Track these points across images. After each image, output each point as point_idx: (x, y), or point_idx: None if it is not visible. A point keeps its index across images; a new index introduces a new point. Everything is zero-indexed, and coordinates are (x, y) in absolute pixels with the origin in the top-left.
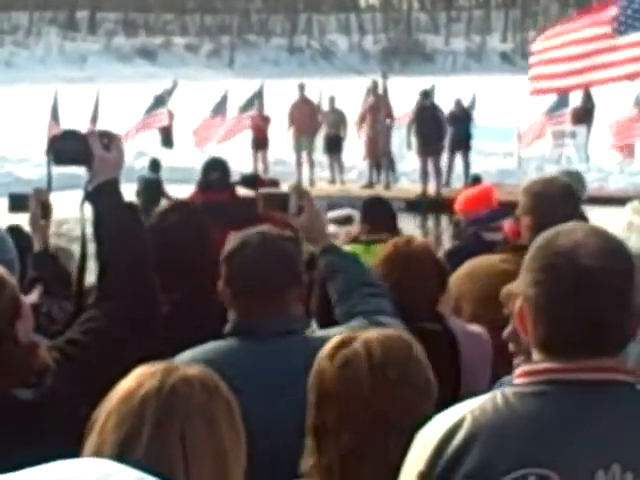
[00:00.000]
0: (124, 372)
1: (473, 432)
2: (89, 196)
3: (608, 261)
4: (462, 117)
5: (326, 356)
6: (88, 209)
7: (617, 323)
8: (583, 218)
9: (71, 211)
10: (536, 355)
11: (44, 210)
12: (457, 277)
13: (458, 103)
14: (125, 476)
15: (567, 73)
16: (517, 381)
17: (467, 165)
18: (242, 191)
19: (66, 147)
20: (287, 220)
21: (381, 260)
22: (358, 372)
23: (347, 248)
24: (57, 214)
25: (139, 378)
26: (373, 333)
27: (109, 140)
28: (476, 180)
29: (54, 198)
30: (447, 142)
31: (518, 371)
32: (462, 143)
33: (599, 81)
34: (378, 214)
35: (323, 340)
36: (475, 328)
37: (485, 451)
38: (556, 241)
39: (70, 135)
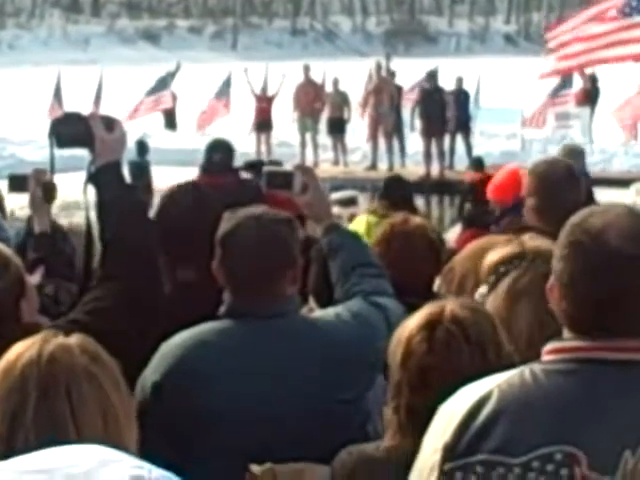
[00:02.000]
0: (127, 352)
1: (500, 407)
2: (91, 178)
3: (636, 244)
4: (462, 98)
5: (418, 340)
6: (91, 191)
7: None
8: (590, 197)
9: (74, 193)
10: (565, 332)
11: (47, 191)
12: (462, 257)
13: (459, 84)
14: (122, 464)
15: (578, 53)
16: (546, 358)
17: (469, 147)
18: (246, 176)
19: (68, 129)
20: (292, 202)
21: (378, 239)
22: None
23: (363, 218)
24: (61, 196)
25: (18, 349)
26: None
27: (111, 122)
28: (478, 163)
29: (57, 180)
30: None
31: (547, 347)
32: (463, 124)
33: (605, 59)
34: (397, 192)
35: (318, 320)
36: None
37: (511, 427)
38: (588, 219)
39: (72, 117)
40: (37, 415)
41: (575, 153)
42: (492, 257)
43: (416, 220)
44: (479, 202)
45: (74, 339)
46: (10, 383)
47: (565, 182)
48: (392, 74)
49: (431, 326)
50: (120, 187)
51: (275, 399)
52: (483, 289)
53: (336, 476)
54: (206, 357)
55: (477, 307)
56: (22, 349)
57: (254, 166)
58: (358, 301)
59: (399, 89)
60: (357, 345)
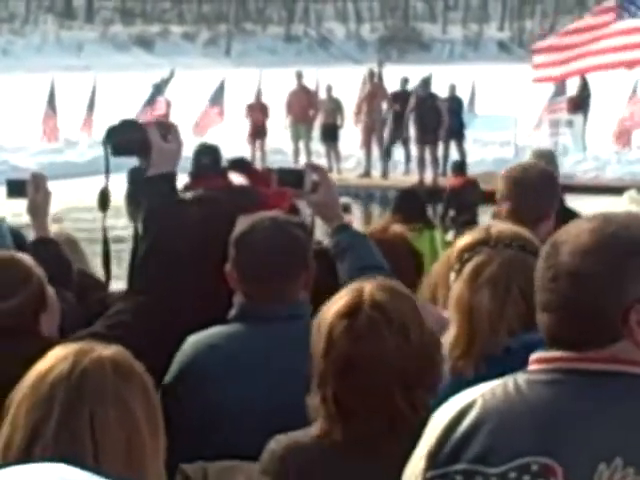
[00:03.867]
0: (147, 368)
1: (481, 416)
2: (143, 185)
3: (586, 260)
4: (455, 106)
5: (340, 330)
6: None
7: (601, 316)
8: (562, 204)
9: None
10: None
11: (103, 198)
12: (435, 266)
13: (452, 91)
14: None
15: (567, 60)
16: (531, 367)
17: (462, 154)
18: (234, 177)
19: (125, 138)
20: (291, 205)
21: None
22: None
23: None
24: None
25: (51, 361)
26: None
27: (167, 131)
28: (459, 168)
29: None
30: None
31: (533, 357)
32: (456, 132)
33: (596, 67)
34: (410, 205)
35: None
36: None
37: (491, 437)
38: (561, 231)
39: (128, 125)
40: (58, 432)
41: (547, 157)
42: (459, 244)
43: (395, 229)
44: (462, 207)
45: (109, 353)
46: (38, 396)
47: (540, 187)
48: (381, 80)
49: (352, 313)
50: (170, 198)
51: (284, 404)
52: (452, 276)
53: (266, 464)
54: (216, 360)
55: (396, 288)
56: (56, 361)
57: (239, 164)
58: None
59: (397, 96)
60: None
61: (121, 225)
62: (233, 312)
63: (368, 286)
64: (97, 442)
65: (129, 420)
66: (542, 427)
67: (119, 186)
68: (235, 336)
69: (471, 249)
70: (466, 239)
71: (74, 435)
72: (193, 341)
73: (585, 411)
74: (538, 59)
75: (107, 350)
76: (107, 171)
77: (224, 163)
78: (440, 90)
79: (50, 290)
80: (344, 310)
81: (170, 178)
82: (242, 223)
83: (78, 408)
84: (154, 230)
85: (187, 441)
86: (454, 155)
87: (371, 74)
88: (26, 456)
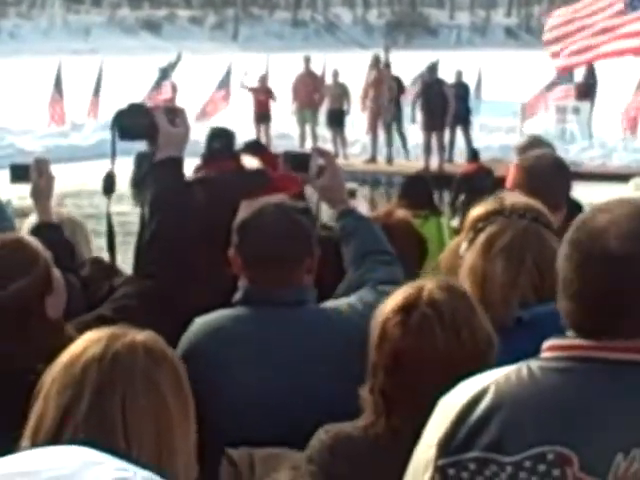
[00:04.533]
0: None
1: (495, 403)
2: (150, 170)
3: (633, 245)
4: (461, 92)
5: (393, 324)
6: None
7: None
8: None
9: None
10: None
11: (108, 182)
12: (445, 252)
13: (459, 77)
14: (105, 466)
15: (584, 48)
16: (545, 354)
17: (468, 140)
18: (247, 159)
19: (132, 122)
20: (300, 191)
21: None
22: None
23: None
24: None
25: (85, 344)
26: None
27: (174, 115)
28: (474, 155)
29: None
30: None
31: (547, 344)
32: (462, 118)
33: (606, 54)
34: (418, 191)
35: (333, 311)
36: None
37: (505, 424)
38: (592, 217)
39: (136, 109)
40: (89, 414)
41: (543, 143)
42: (472, 214)
43: (399, 213)
44: (473, 193)
45: (142, 338)
46: (69, 378)
47: (552, 176)
48: (387, 66)
49: (407, 309)
50: (177, 183)
51: (288, 388)
52: (464, 245)
53: (314, 453)
54: (220, 344)
55: (455, 287)
56: (89, 343)
57: (254, 146)
58: (370, 291)
59: (398, 81)
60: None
61: (129, 210)
62: (238, 296)
63: (429, 284)
64: (127, 424)
65: (160, 403)
66: (558, 416)
67: (126, 170)
68: (240, 319)
69: (485, 219)
70: (479, 209)
71: (105, 417)
72: (199, 323)
73: (602, 401)
74: (554, 48)
75: (140, 335)
76: (113, 155)
77: (239, 146)
78: (447, 76)
79: (56, 272)
80: (400, 305)
81: (177, 162)
82: (245, 209)
83: (109, 391)
84: (160, 214)
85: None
86: (460, 141)
87: (376, 60)
88: (56, 437)
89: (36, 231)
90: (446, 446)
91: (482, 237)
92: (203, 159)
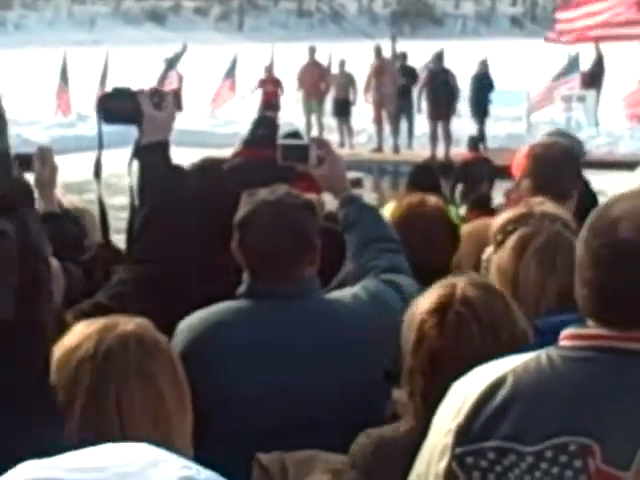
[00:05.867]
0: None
1: (514, 392)
2: (136, 155)
3: None
4: (486, 82)
5: (430, 326)
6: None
7: None
8: (584, 182)
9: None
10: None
11: (97, 168)
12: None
13: (483, 68)
14: (171, 464)
15: (591, 26)
16: (564, 343)
17: (482, 131)
18: None
19: (116, 106)
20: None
21: (394, 220)
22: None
23: (389, 205)
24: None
25: (76, 339)
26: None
27: (160, 99)
28: (474, 144)
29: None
30: (469, 106)
31: (565, 332)
32: (482, 109)
33: (617, 36)
34: (425, 180)
35: (336, 302)
36: None
37: (525, 413)
38: (610, 206)
39: (120, 93)
40: (84, 414)
41: (567, 135)
42: (500, 219)
43: (432, 201)
44: (471, 182)
45: (133, 327)
46: (64, 375)
47: (562, 165)
48: (404, 56)
49: (442, 310)
50: (165, 167)
51: (292, 380)
52: (490, 248)
53: (356, 460)
54: (223, 336)
55: (488, 285)
56: (80, 338)
57: (294, 136)
58: (374, 280)
59: (412, 71)
60: (376, 327)
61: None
62: (242, 289)
63: (461, 282)
64: (124, 421)
65: (155, 395)
66: (581, 406)
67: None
68: (243, 312)
69: (515, 221)
70: (508, 214)
71: (101, 414)
72: (201, 316)
73: (624, 391)
74: (564, 26)
75: (130, 324)
76: (100, 140)
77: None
78: (453, 65)
79: (54, 261)
80: (434, 306)
81: (162, 147)
82: (246, 203)
83: (104, 388)
84: (150, 200)
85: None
86: (463, 130)
87: (378, 50)
88: None
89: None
90: (464, 434)
91: (514, 238)
92: (244, 144)
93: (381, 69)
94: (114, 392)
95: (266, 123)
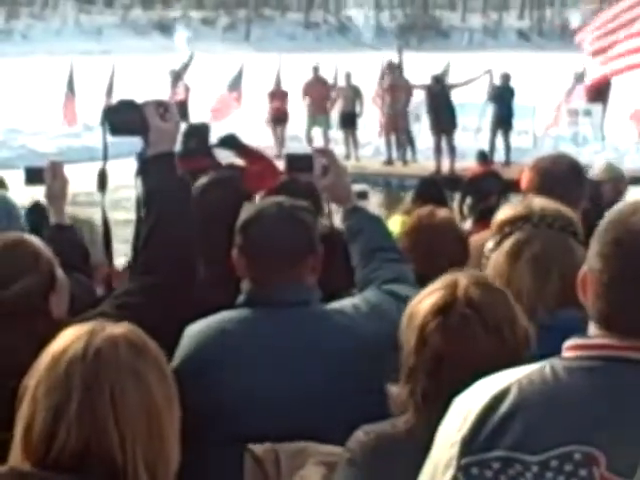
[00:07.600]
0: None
1: (519, 403)
2: (142, 166)
3: None
4: (507, 95)
5: (433, 327)
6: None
7: None
8: (598, 196)
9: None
10: (593, 329)
11: (101, 180)
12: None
13: (505, 81)
14: None
15: (622, 54)
16: (567, 354)
17: (507, 144)
18: (223, 154)
19: (122, 118)
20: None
21: (404, 231)
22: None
23: (398, 219)
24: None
25: (64, 342)
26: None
27: (165, 110)
28: (483, 157)
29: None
30: (490, 119)
31: (568, 343)
32: (504, 121)
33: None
34: (431, 193)
35: (336, 312)
36: None
37: (530, 423)
38: (631, 216)
39: (126, 105)
40: (81, 411)
41: (615, 172)
42: (500, 216)
43: (442, 213)
44: (480, 196)
45: (121, 330)
46: (54, 378)
47: (568, 179)
48: (399, 68)
49: (445, 311)
50: (170, 178)
51: (292, 389)
52: (490, 244)
53: (355, 456)
54: (224, 345)
55: (490, 284)
56: (69, 341)
57: (228, 141)
58: (375, 291)
59: (407, 83)
60: (374, 337)
61: None
62: (241, 298)
63: (463, 281)
64: (119, 419)
65: (147, 394)
66: (585, 416)
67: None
68: (243, 321)
69: (512, 223)
70: (507, 212)
71: (96, 413)
72: (201, 326)
73: (631, 401)
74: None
75: (119, 328)
76: (105, 151)
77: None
78: (459, 78)
79: (60, 272)
80: (437, 306)
81: (169, 157)
82: (248, 209)
83: (97, 387)
84: (157, 210)
85: (190, 425)
86: (467, 143)
87: (390, 66)
88: (50, 437)
89: (50, 232)
90: (469, 445)
91: (509, 243)
92: (178, 156)
93: (395, 85)
94: (108, 391)
95: (197, 133)
